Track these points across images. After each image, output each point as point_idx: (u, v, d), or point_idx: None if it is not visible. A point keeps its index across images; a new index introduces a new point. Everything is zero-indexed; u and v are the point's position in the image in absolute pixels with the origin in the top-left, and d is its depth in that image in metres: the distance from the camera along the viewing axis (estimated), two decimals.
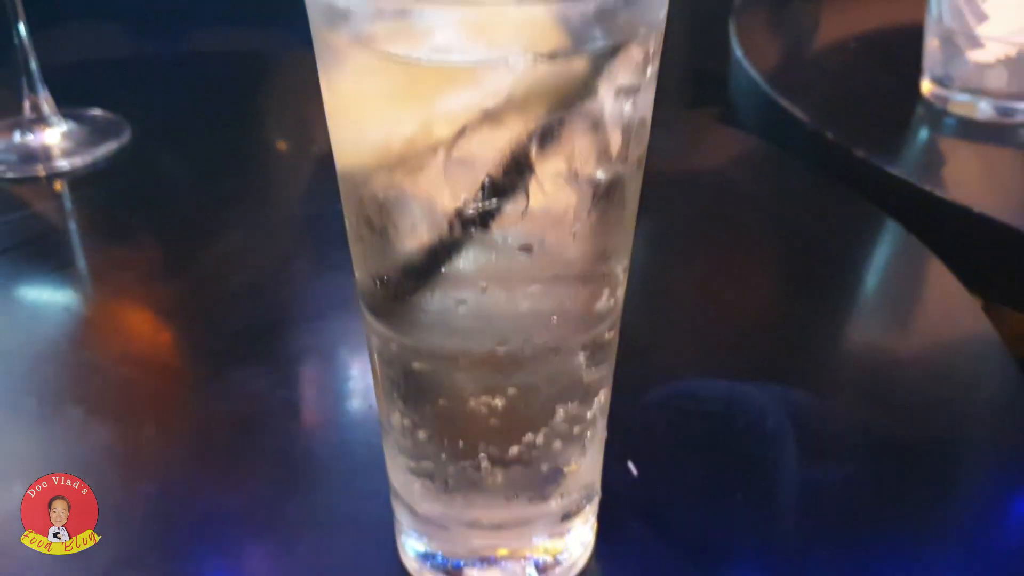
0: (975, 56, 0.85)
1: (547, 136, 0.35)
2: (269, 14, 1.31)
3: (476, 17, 0.33)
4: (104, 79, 1.03)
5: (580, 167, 0.36)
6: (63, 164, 0.83)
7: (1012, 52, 0.84)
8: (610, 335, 0.43)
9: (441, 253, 0.37)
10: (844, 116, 0.89)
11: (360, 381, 0.60)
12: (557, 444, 0.43)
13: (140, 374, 0.61)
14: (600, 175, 0.37)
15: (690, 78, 1.49)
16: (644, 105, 0.38)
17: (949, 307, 0.67)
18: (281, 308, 0.68)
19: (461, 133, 0.34)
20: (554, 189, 0.36)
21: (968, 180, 0.82)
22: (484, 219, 0.36)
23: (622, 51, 0.35)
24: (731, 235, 0.76)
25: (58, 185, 0.82)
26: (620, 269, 0.41)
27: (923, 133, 0.89)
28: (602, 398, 0.44)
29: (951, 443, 0.56)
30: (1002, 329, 0.63)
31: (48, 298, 0.69)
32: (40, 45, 0.86)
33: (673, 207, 0.76)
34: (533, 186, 0.36)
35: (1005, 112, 0.86)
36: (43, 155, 0.84)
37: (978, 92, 0.86)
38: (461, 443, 0.42)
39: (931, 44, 0.89)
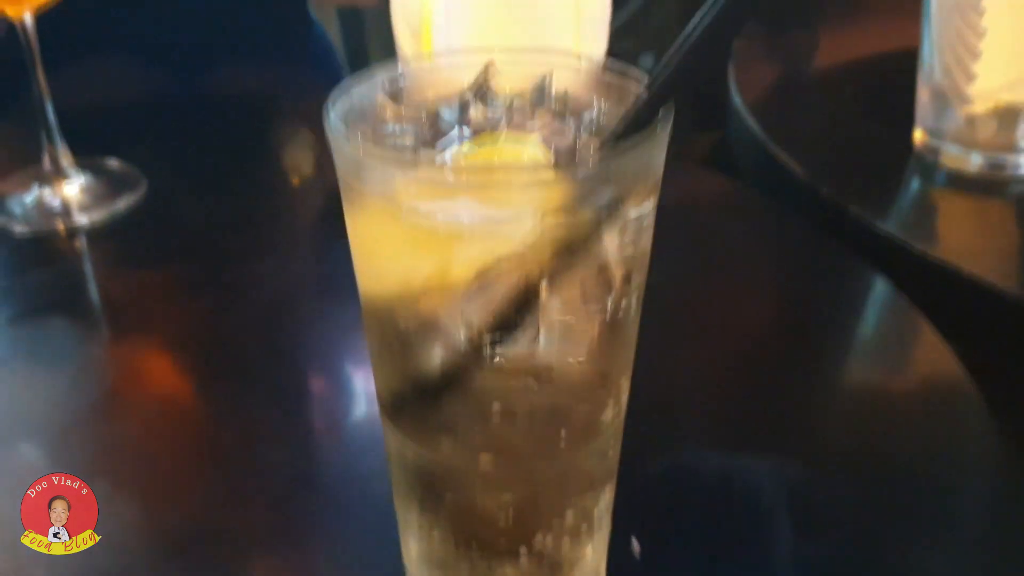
0: (965, 111, 0.88)
1: (556, 278, 0.38)
2: (283, 57, 1.34)
3: (491, 181, 0.36)
4: (117, 124, 1.05)
5: (587, 301, 0.39)
6: (82, 220, 0.85)
7: (1001, 107, 0.87)
8: (616, 441, 0.45)
9: (455, 378, 0.40)
10: (838, 167, 0.91)
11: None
12: (565, 540, 0.45)
13: (163, 433, 0.63)
14: (605, 307, 0.40)
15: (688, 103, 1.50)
16: (646, 238, 0.41)
17: (935, 371, 0.69)
18: (306, 361, 0.70)
19: (476, 276, 0.37)
20: (562, 322, 0.39)
21: (959, 238, 0.85)
22: (496, 350, 0.39)
23: (625, 200, 0.38)
24: (719, 291, 0.79)
25: (77, 243, 0.84)
26: (624, 381, 0.44)
27: (915, 187, 0.91)
28: (608, 495, 0.47)
29: (939, 512, 0.59)
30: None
31: (70, 363, 0.71)
32: (51, 87, 0.88)
33: (662, 259, 0.78)
34: (543, 320, 0.38)
35: (995, 165, 0.89)
36: (62, 210, 0.86)
37: (969, 145, 0.89)
38: (474, 541, 0.45)
39: (922, 96, 0.92)
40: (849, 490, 0.59)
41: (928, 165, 0.91)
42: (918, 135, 0.93)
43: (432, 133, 0.41)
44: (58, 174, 0.89)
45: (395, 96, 0.44)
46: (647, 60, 1.44)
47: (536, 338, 0.39)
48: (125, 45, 1.24)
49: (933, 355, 0.70)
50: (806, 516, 0.57)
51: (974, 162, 0.89)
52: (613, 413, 0.44)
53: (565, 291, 0.38)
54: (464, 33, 0.66)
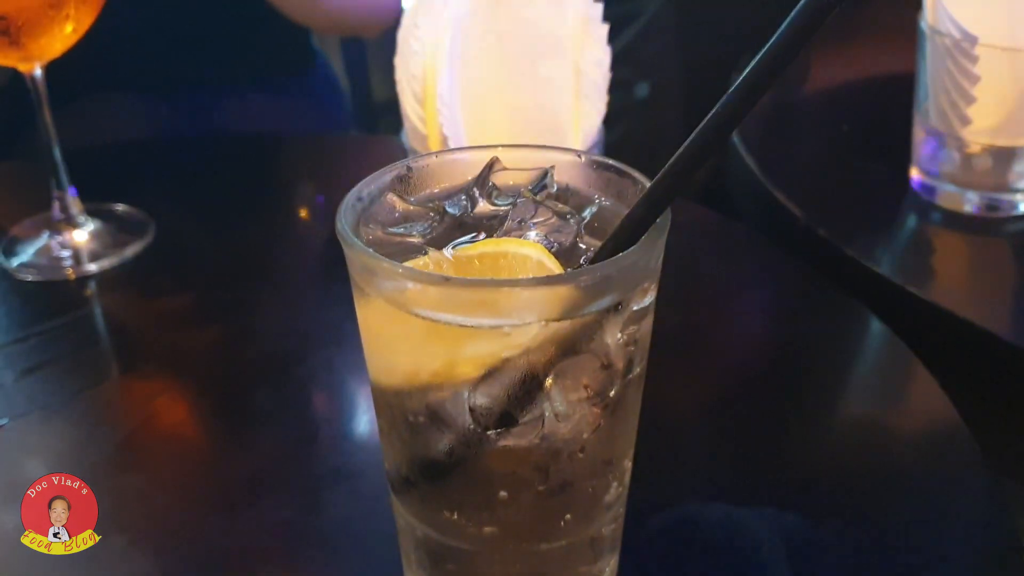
0: (960, 153, 0.89)
1: (559, 373, 0.39)
2: (286, 89, 1.35)
3: (497, 295, 0.37)
4: (121, 165, 1.07)
5: (589, 394, 0.41)
6: (91, 268, 0.87)
7: (996, 149, 0.88)
8: (619, 516, 0.47)
9: (461, 464, 0.41)
10: (834, 206, 0.93)
11: None
12: None
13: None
14: (608, 397, 0.41)
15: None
16: (646, 328, 0.42)
17: (930, 417, 0.71)
18: (318, 405, 0.72)
19: (481, 373, 0.39)
20: (565, 413, 0.40)
21: (953, 281, 0.86)
22: (501, 439, 0.40)
23: (627, 300, 0.39)
24: (712, 329, 0.80)
25: (88, 291, 0.86)
26: (627, 462, 0.46)
27: (911, 227, 0.93)
28: (613, 564, 0.48)
29: (933, 555, 0.60)
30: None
31: (84, 413, 0.73)
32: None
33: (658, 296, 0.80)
34: (546, 412, 0.40)
35: (991, 206, 0.90)
36: (72, 258, 0.87)
37: (965, 185, 0.90)
38: None
39: (918, 136, 0.93)
40: (846, 535, 0.61)
41: (924, 205, 0.93)
42: (915, 173, 0.95)
43: (439, 231, 0.43)
44: (68, 222, 0.90)
45: (403, 192, 0.45)
46: (643, 89, 1.45)
47: (540, 429, 0.40)
48: (127, 85, 1.26)
49: (927, 397, 0.72)
50: (806, 565, 0.59)
51: (970, 201, 0.91)
52: (616, 494, 0.45)
53: (568, 385, 0.40)
54: (466, 97, 0.67)
